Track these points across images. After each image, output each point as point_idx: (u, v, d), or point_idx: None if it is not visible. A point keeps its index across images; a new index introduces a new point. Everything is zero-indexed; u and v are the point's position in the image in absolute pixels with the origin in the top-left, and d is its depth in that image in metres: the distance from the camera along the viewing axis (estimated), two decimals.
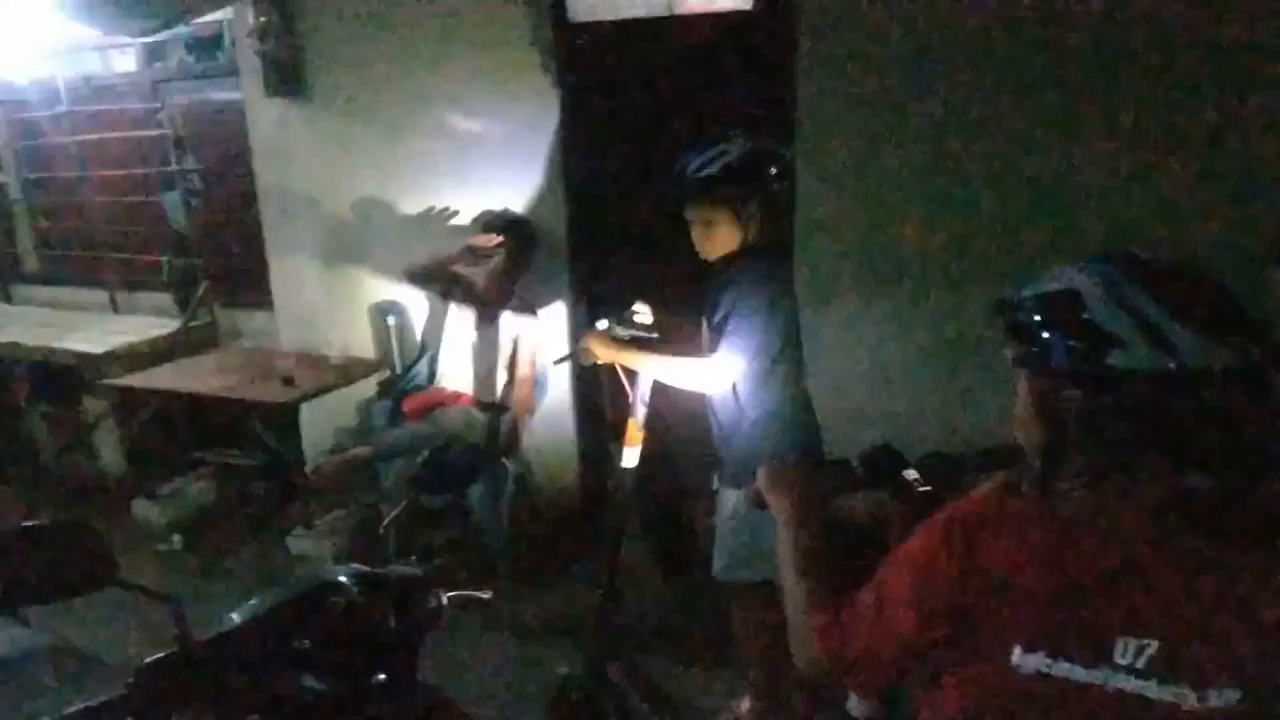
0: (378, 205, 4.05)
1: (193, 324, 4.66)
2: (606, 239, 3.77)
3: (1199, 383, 0.97)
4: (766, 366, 2.28)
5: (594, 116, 3.62)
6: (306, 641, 1.33)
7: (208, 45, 4.39)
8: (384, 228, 4.04)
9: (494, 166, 3.76)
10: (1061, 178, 2.73)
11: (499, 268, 3.55)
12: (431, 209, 3.92)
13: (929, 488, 1.44)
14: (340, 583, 1.42)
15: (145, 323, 4.82)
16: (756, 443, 2.31)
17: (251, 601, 1.37)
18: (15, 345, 4.62)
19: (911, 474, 1.47)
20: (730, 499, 2.41)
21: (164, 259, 4.78)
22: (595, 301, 3.77)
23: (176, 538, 4.17)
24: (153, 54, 4.61)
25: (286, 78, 3.97)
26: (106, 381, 4.21)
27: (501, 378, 3.69)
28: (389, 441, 3.53)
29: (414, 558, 3.59)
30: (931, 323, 2.96)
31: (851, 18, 2.81)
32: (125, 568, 1.49)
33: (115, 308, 5.09)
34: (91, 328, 4.79)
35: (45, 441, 5.07)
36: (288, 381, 3.82)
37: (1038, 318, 1.08)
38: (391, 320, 4.12)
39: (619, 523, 2.43)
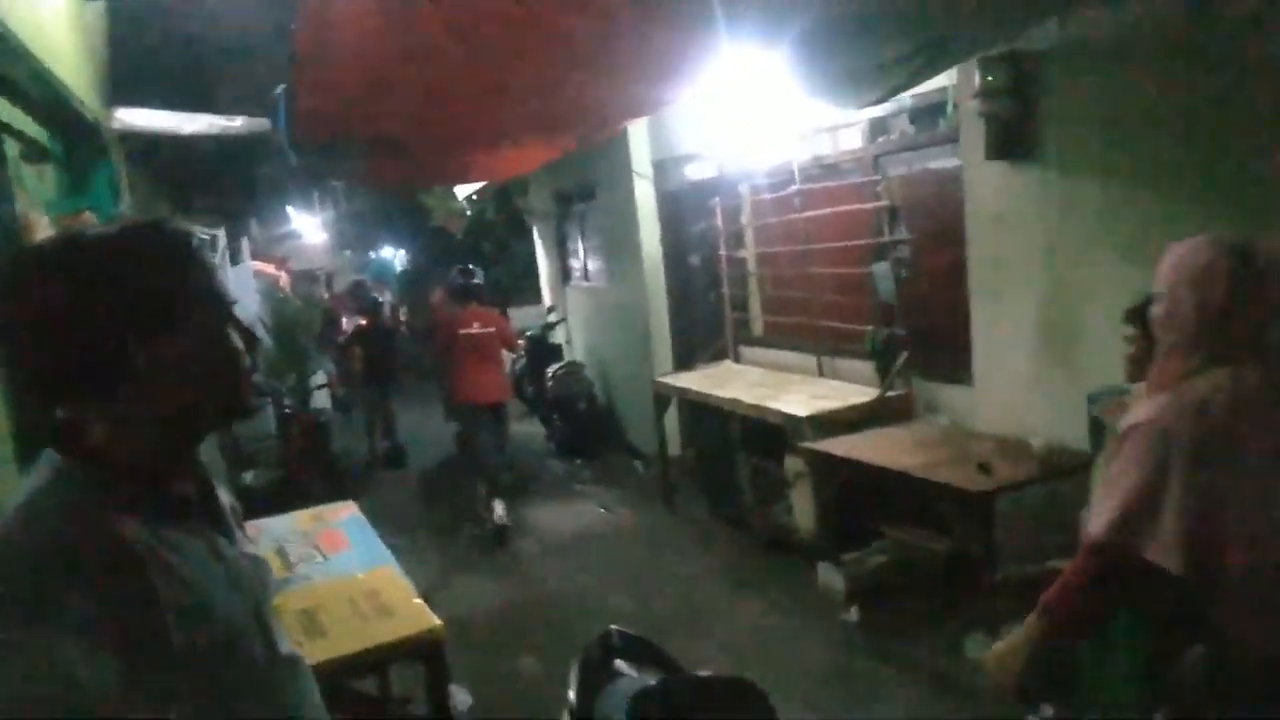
0: (1105, 279, 3.49)
1: (890, 393, 4.63)
2: None
3: None
4: None
5: None
6: None
7: (930, 113, 4.33)
8: (1111, 305, 3.45)
9: None
10: None
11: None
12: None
13: None
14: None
15: (845, 389, 4.96)
16: None
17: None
18: (736, 401, 5.14)
19: None
20: None
21: (868, 328, 4.85)
22: None
23: (855, 610, 4.12)
24: (876, 128, 4.74)
25: (1012, 139, 3.68)
26: (805, 444, 4.40)
27: None
28: None
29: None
30: None
31: None
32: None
33: (821, 372, 5.36)
34: (799, 390, 5.10)
35: (750, 492, 5.53)
36: (984, 469, 3.49)
37: None
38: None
39: None
